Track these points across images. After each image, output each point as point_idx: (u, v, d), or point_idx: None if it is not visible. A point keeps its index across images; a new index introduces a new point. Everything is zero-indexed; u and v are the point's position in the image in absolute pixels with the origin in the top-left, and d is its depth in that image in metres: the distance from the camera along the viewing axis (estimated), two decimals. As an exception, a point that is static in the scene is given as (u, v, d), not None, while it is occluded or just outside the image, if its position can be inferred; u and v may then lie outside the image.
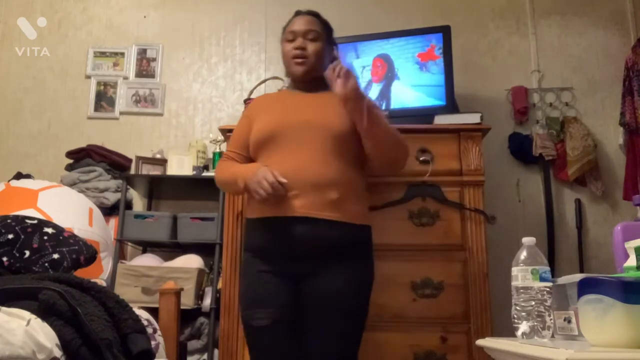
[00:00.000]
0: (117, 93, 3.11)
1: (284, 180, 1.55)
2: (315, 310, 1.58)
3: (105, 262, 2.26)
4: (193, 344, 2.44)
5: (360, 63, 2.56)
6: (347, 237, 1.63)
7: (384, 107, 2.47)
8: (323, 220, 1.58)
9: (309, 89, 1.79)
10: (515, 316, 1.15)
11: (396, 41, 2.54)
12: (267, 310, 1.59)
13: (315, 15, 1.83)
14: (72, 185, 2.64)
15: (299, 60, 1.75)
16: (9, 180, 2.43)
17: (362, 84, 2.53)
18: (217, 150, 2.74)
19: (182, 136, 3.06)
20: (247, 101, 2.48)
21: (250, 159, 1.76)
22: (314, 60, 1.75)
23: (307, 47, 1.75)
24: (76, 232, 1.83)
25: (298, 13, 1.84)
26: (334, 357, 1.56)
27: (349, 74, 1.60)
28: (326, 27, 1.83)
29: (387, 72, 2.52)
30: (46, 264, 1.41)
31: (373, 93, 2.51)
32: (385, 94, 2.51)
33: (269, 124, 1.70)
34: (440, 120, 2.29)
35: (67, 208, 2.13)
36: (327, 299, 1.58)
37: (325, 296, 1.58)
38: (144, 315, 1.71)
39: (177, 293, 1.94)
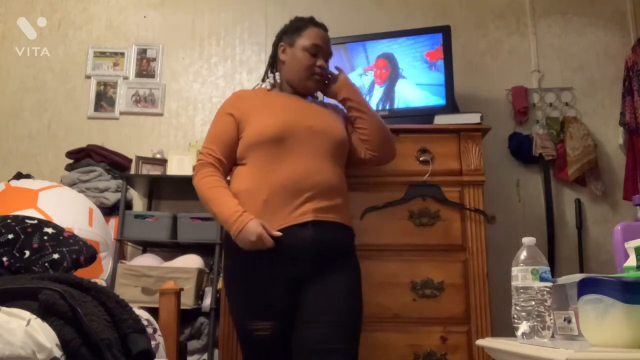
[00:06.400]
0: (117, 93, 3.11)
1: (278, 234, 1.57)
2: (318, 310, 1.58)
3: (105, 262, 2.25)
4: (193, 344, 2.44)
5: (359, 63, 2.55)
6: (347, 239, 1.71)
7: (387, 108, 2.49)
8: (330, 223, 1.63)
9: (303, 96, 1.83)
10: (515, 316, 1.15)
11: (396, 41, 2.54)
12: (269, 322, 1.59)
13: (327, 30, 1.83)
14: (72, 185, 2.64)
15: (319, 78, 1.79)
16: (9, 180, 2.42)
17: (365, 85, 2.53)
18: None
19: (182, 136, 3.06)
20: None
21: (231, 161, 1.72)
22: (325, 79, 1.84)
23: (325, 68, 1.80)
24: (76, 232, 1.83)
25: (316, 24, 1.81)
26: (338, 354, 1.55)
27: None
28: None
29: (390, 73, 2.52)
30: (46, 264, 1.41)
31: (376, 95, 2.51)
32: (388, 94, 2.50)
33: (275, 125, 1.66)
34: (441, 120, 2.29)
35: (67, 208, 2.12)
36: (331, 298, 1.59)
37: (329, 295, 1.59)
38: (144, 315, 1.70)
39: (177, 293, 1.94)
